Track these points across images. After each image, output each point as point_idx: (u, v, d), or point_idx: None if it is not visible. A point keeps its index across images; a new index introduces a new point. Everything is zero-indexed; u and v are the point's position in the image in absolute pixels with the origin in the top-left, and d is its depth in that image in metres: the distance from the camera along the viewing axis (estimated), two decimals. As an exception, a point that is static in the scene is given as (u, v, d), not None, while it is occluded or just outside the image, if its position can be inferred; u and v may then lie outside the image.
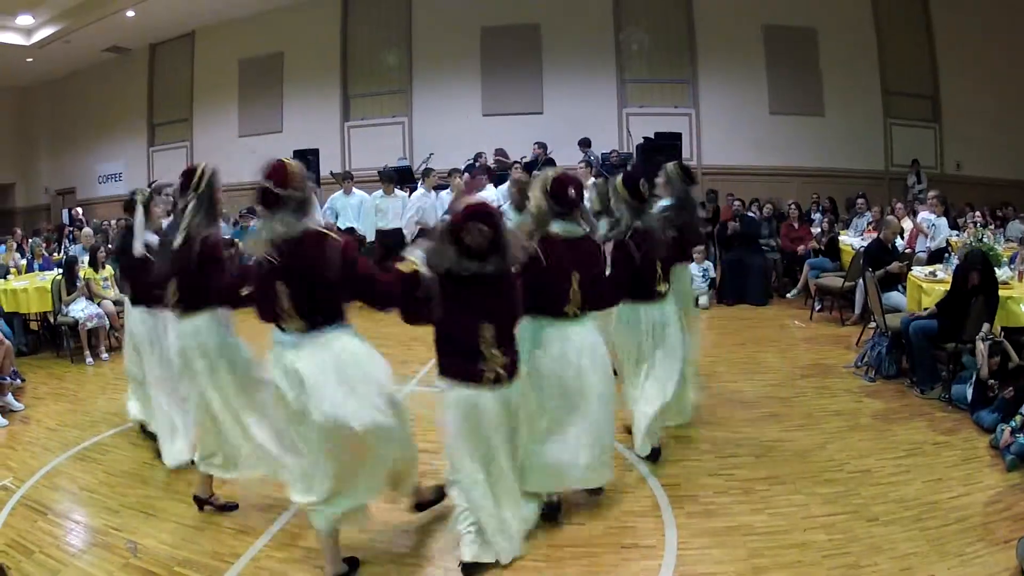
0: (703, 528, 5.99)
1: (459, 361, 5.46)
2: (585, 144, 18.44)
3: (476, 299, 5.36)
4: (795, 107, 20.77)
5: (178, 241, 6.08)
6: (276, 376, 5.29)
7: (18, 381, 10.44)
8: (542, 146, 18.45)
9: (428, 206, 15.11)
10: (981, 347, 8.20)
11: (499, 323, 5.43)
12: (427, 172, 15.91)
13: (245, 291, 5.59)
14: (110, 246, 13.51)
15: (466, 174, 16.20)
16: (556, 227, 6.03)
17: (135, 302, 7.94)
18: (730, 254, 14.97)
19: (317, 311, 5.17)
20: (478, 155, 18.88)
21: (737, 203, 16.30)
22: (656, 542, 5.82)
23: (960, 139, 20.14)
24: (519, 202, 9.65)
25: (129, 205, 7.75)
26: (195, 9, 22.66)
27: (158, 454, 7.65)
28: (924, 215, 14.20)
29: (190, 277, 6.10)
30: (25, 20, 22.14)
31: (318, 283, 5.10)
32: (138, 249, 7.44)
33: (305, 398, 5.12)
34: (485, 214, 5.37)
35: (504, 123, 20.86)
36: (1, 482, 7.45)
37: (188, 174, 6.18)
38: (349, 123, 23.23)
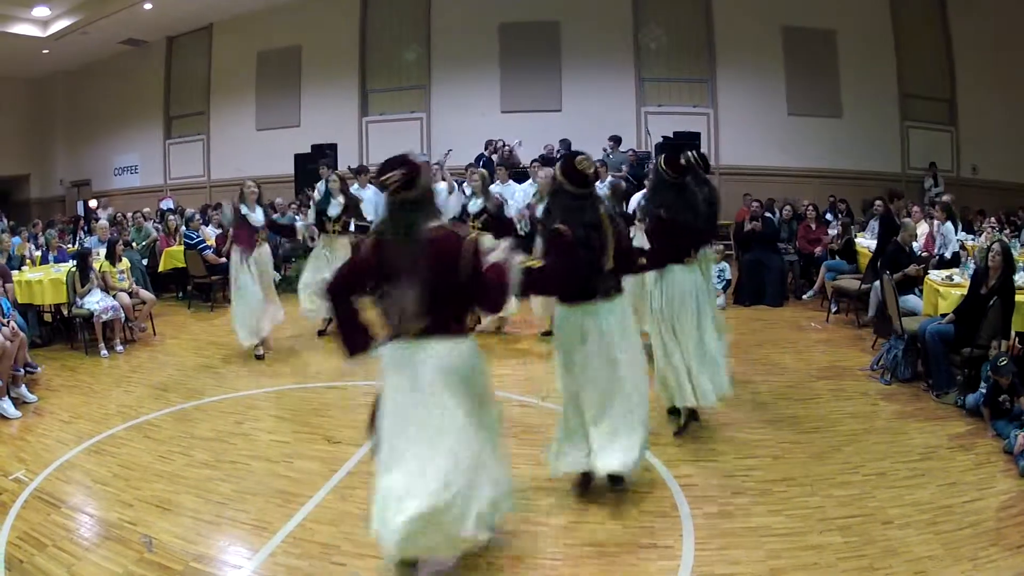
0: (721, 529, 5.99)
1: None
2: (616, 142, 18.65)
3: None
4: (813, 109, 20.80)
5: None
6: None
7: (38, 370, 10.61)
8: (564, 143, 18.52)
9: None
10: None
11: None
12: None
13: None
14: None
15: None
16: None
17: None
18: (749, 255, 14.88)
19: None
20: (488, 143, 18.94)
21: (756, 203, 16.18)
22: (674, 542, 5.81)
23: (976, 143, 20.13)
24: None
25: None
26: (212, 1, 22.73)
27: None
28: (937, 222, 14.19)
29: None
30: (41, 12, 22.18)
31: None
32: None
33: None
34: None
35: (523, 120, 20.89)
36: (14, 474, 7.45)
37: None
38: (367, 118, 23.25)
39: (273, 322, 11.69)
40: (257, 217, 11.26)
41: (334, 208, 12.01)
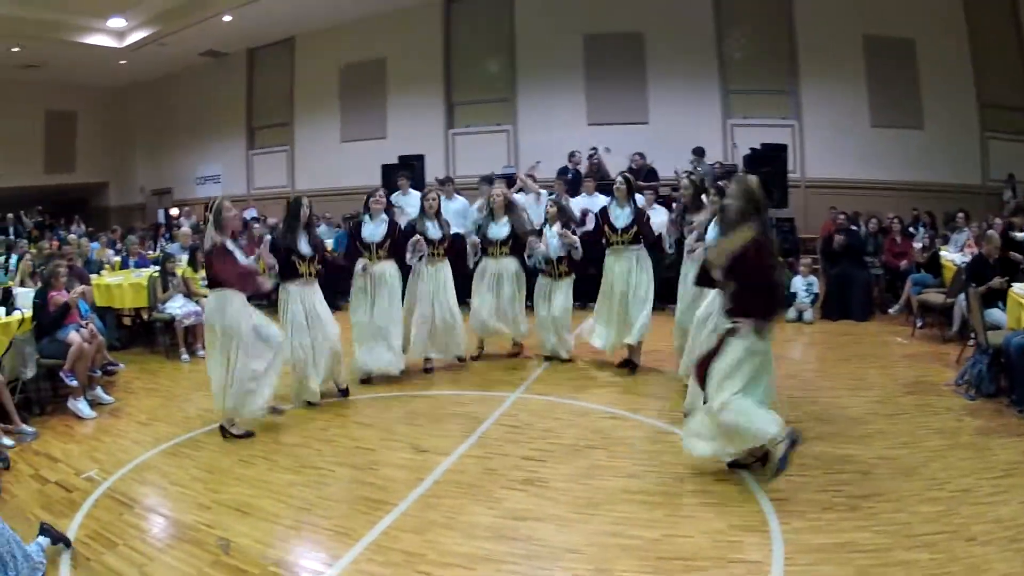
0: (810, 544, 5.91)
1: None
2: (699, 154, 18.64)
3: None
4: (895, 120, 20.59)
5: None
6: None
7: (120, 367, 10.94)
8: (642, 156, 18.39)
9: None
10: None
11: None
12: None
13: None
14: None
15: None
16: None
17: None
18: (835, 269, 14.84)
19: None
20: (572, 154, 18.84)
21: (842, 216, 16.05)
22: (763, 557, 5.74)
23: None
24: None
25: None
26: (295, 15, 23.00)
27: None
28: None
29: None
30: (117, 23, 22.57)
31: None
32: None
33: None
34: None
35: (609, 132, 20.81)
36: (86, 473, 7.53)
37: None
38: (453, 130, 23.49)
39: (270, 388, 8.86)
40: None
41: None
